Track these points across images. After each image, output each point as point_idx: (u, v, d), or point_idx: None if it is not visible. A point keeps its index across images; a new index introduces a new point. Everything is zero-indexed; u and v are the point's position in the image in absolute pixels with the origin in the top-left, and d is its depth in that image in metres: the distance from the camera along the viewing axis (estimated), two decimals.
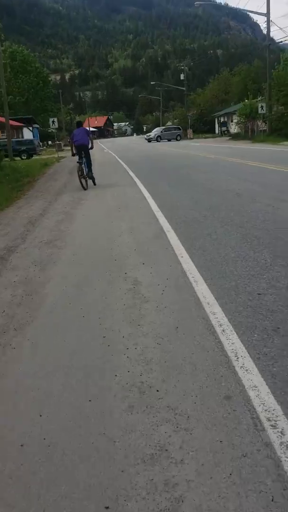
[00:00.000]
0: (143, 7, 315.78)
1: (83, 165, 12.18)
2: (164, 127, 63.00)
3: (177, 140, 51.54)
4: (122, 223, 7.04)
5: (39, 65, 70.90)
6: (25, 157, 36.08)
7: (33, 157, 36.22)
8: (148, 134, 60.79)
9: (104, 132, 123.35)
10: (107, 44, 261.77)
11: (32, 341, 3.24)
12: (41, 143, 61.97)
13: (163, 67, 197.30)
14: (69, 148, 16.22)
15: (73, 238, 6.35)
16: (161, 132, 55.62)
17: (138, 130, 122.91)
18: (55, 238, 6.45)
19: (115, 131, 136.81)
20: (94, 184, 12.72)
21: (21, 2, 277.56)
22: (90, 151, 12.47)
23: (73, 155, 12.59)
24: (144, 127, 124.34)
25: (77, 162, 12.28)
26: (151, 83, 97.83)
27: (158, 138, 53.60)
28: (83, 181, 12.16)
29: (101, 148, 46.03)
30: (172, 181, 12.02)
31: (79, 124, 13.27)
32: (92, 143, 12.62)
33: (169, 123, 78.81)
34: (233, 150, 24.93)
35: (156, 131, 57.79)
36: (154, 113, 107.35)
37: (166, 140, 52.04)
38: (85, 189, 11.95)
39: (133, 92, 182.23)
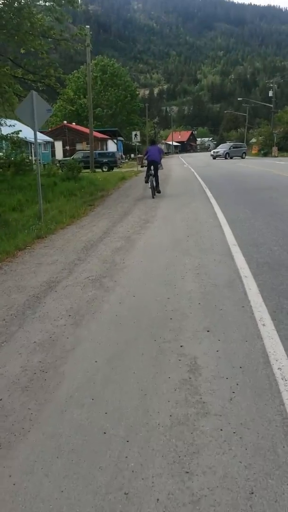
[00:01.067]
0: (235, 24, 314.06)
1: (153, 178, 13.66)
2: (232, 143, 59.69)
3: (242, 157, 49.28)
4: (187, 259, 5.76)
5: (129, 79, 72.25)
6: (106, 169, 36.21)
7: (113, 170, 36.23)
8: (214, 150, 56.41)
9: (186, 147, 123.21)
10: (197, 60, 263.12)
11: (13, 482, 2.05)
12: (124, 156, 62.82)
13: (251, 84, 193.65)
14: None
15: (125, 276, 5.18)
16: (230, 149, 51.73)
17: None
18: (105, 273, 5.33)
19: (198, 146, 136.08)
20: (159, 192, 14.01)
21: (118, 20, 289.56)
22: (160, 166, 14.11)
23: (142, 166, 14.42)
24: (242, 143, 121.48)
25: (148, 174, 13.81)
26: (238, 99, 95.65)
27: (227, 155, 49.60)
28: (153, 190, 13.75)
29: (180, 163, 45.13)
30: (253, 206, 10.50)
31: (153, 142, 15.78)
32: (161, 164, 14.18)
33: (253, 140, 76.15)
34: None
35: (223, 147, 53.72)
36: (238, 129, 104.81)
37: (235, 157, 48.94)
38: (153, 197, 13.47)
39: (219, 108, 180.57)
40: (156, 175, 13.74)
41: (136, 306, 4.18)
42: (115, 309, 4.13)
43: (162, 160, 14.54)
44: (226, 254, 5.91)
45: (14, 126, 21.40)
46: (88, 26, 31.95)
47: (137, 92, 77.69)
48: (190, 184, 18.39)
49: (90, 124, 33.51)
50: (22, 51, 20.41)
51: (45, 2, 18.42)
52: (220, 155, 50.56)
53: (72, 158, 39.25)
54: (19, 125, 26.68)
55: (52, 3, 18.36)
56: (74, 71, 64.49)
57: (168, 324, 3.69)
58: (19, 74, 20.17)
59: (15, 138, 21.93)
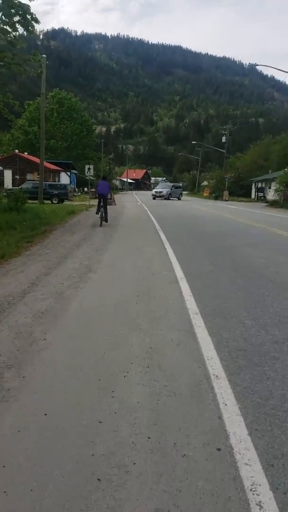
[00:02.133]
0: (192, 71, 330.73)
1: (102, 209, 15.75)
2: (171, 183, 58.33)
3: (179, 198, 48.74)
4: (135, 336, 4.20)
5: (85, 115, 72.12)
6: (56, 202, 34.49)
7: (64, 202, 34.57)
8: (156, 189, 50.90)
9: (141, 185, 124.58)
10: (154, 102, 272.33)
11: None
12: (76, 189, 61.38)
13: (204, 130, 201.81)
14: None
15: (40, 369, 3.47)
16: (171, 189, 49.34)
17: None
18: (11, 360, 3.62)
19: (152, 185, 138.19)
20: (106, 221, 15.88)
21: (79, 57, 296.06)
22: (112, 201, 17.47)
23: (95, 198, 16.69)
24: (181, 184, 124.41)
25: (99, 205, 15.92)
26: (192, 142, 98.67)
27: (169, 196, 47.23)
28: (101, 220, 15.67)
29: (134, 200, 44.36)
30: (213, 255, 9.22)
31: (104, 178, 17.45)
32: (111, 196, 18.01)
33: (204, 183, 77.71)
34: (276, 219, 22.18)
35: (165, 187, 50.49)
36: (191, 172, 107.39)
37: (172, 198, 47.65)
38: (100, 225, 15.30)
39: (173, 150, 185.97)
40: (104, 207, 15.85)
41: (42, 441, 2.51)
42: (18, 436, 2.44)
43: (116, 196, 20.58)
44: (187, 330, 4.41)
45: None
46: (45, 55, 31.07)
47: (94, 128, 77.66)
48: (143, 223, 17.13)
49: (41, 154, 32.06)
50: None
51: None
52: (163, 195, 47.19)
53: (21, 188, 37.41)
54: None
55: (3, 26, 17.14)
56: (30, 101, 63.53)
57: (91, 496, 2.07)
58: None
59: None
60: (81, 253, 9.48)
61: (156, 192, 49.04)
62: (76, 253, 9.42)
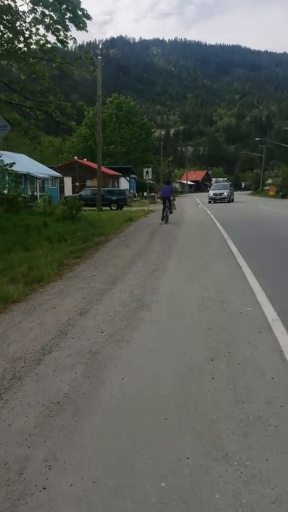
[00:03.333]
0: (252, 69, 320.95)
1: (166, 209, 18.63)
2: (227, 182, 50.12)
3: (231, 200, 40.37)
4: (214, 463, 2.18)
5: (144, 117, 71.08)
6: (115, 208, 33.19)
7: (123, 209, 33.20)
8: (214, 191, 40.39)
9: (201, 186, 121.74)
10: (213, 102, 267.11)
11: None
12: (136, 194, 60.14)
13: (267, 127, 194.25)
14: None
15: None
16: (230, 189, 41.41)
17: (236, 186, 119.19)
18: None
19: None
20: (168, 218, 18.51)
21: (137, 63, 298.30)
22: (172, 206, 19.31)
23: (154, 202, 20.57)
24: (243, 184, 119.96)
25: (163, 208, 18.85)
26: (256, 139, 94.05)
27: (231, 197, 39.99)
28: (165, 219, 18.45)
29: (195, 203, 41.92)
30: None
31: (168, 182, 21.95)
32: (173, 197, 19.82)
33: (269, 181, 73.43)
34: None
35: (223, 187, 41.62)
36: (254, 170, 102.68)
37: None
38: (165, 223, 18.10)
39: (234, 149, 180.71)
40: (169, 207, 18.89)
41: None
42: None
43: (174, 200, 20.02)
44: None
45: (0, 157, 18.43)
46: (100, 57, 29.89)
47: (153, 130, 76.43)
48: (207, 231, 14.93)
49: (98, 160, 30.88)
50: (23, 77, 17.87)
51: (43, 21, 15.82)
52: (224, 198, 38.59)
53: (79, 195, 36.61)
54: (13, 156, 23.86)
55: (55, 25, 15.89)
56: (89, 107, 63.40)
57: None
58: (15, 100, 17.50)
59: (9, 171, 18.90)
60: (133, 275, 7.54)
61: (214, 194, 39.49)
62: (127, 276, 7.51)
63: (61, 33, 16.16)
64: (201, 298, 5.77)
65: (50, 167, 45.87)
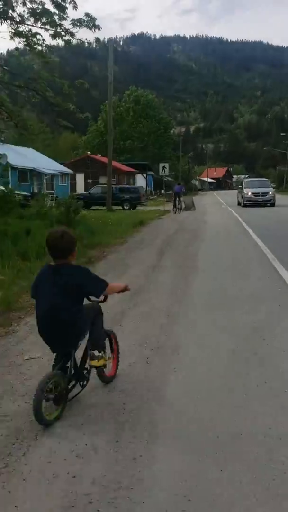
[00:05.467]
0: (274, 66, 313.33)
1: (178, 205, 25.29)
2: (263, 179, 38.65)
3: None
4: None
5: (163, 111, 67.74)
6: (127, 207, 29.75)
7: (136, 208, 29.78)
8: (253, 190, 28.60)
9: (222, 184, 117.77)
10: (234, 99, 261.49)
11: None
12: (153, 192, 56.67)
13: None
14: None
15: None
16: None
17: None
18: None
19: (234, 183, 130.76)
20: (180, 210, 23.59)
21: (158, 60, 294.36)
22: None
23: (175, 212, 24.38)
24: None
25: (174, 201, 25.66)
26: (281, 134, 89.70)
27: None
28: (177, 210, 24.81)
29: (217, 202, 38.13)
30: None
31: (179, 183, 30.74)
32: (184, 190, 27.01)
33: None
34: None
35: (264, 185, 30.86)
36: (277, 168, 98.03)
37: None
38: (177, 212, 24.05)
39: (255, 146, 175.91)
40: (179, 200, 25.68)
41: None
42: None
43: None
44: None
45: None
46: (112, 37, 26.49)
47: (172, 124, 72.92)
48: (238, 245, 11.31)
49: (109, 153, 27.62)
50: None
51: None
52: (267, 200, 28.03)
53: (89, 193, 33.35)
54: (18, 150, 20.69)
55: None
56: (106, 102, 60.06)
57: None
58: None
59: None
60: (122, 345, 4.10)
61: (254, 194, 28.34)
62: (124, 317, 4.10)
63: None
64: (230, 341, 2.35)
65: (61, 163, 42.76)
